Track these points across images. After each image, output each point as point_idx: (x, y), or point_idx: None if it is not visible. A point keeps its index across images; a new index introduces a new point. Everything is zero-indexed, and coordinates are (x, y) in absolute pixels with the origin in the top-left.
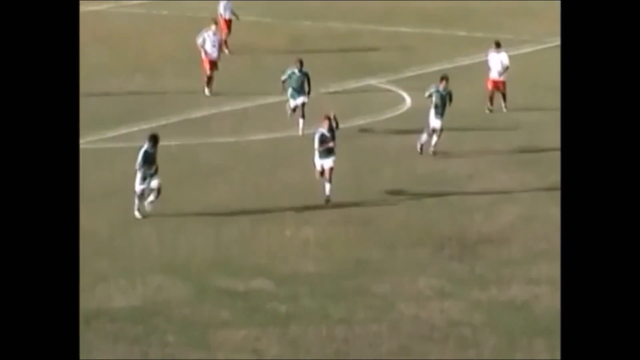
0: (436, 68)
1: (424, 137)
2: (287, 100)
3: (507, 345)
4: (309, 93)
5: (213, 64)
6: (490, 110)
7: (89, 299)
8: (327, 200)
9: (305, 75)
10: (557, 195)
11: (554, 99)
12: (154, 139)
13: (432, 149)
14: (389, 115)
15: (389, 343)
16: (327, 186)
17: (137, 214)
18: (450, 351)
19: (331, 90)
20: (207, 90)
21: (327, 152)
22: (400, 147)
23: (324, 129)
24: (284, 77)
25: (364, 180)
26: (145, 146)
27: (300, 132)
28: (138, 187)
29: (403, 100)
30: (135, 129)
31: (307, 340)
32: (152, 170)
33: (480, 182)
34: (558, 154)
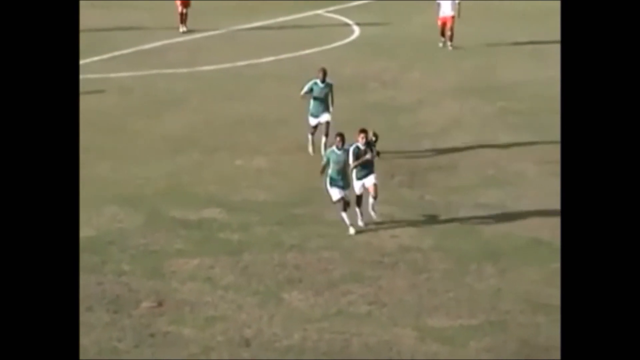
0: None
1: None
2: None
3: (457, 269)
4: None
5: (185, 1)
6: (443, 43)
7: None
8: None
9: (329, 87)
10: (506, 121)
11: (507, 29)
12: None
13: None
14: (338, 43)
15: (340, 269)
16: (371, 202)
17: (310, 149)
18: (401, 275)
19: (280, 20)
20: (181, 27)
21: (365, 169)
22: (349, 76)
23: (359, 143)
24: (304, 91)
25: None
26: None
27: (311, 151)
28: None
29: (351, 29)
30: (87, 60)
31: (260, 268)
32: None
33: (430, 109)
34: (507, 82)
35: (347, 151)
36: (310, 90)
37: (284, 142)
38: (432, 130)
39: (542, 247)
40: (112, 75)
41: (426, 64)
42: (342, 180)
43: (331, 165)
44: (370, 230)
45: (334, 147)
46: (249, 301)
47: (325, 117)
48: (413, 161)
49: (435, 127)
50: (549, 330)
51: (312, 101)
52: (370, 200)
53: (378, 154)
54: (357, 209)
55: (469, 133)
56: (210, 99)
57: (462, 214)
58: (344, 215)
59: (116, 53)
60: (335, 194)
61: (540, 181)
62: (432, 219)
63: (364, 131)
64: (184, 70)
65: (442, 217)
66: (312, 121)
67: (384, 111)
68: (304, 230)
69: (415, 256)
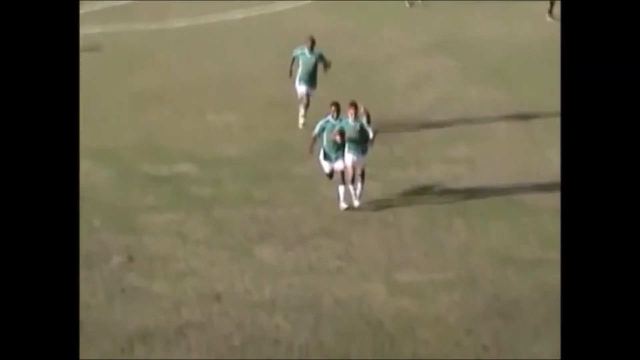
0: None
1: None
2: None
3: (427, 224)
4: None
5: None
6: (411, 4)
7: None
8: (350, 206)
9: (319, 57)
10: (475, 77)
11: None
12: None
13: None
14: (309, 0)
15: (311, 224)
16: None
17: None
18: (372, 231)
19: None
20: None
21: (354, 147)
22: (320, 32)
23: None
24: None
25: (287, 64)
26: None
27: (301, 124)
28: None
29: None
30: None
31: (231, 223)
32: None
33: (400, 66)
34: (477, 38)
35: (343, 120)
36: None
37: (255, 99)
38: (402, 86)
39: (512, 202)
40: (82, 32)
41: (396, 21)
42: (336, 152)
43: (325, 136)
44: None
45: (328, 117)
46: (220, 256)
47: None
48: (382, 116)
49: (405, 83)
50: (519, 285)
51: (299, 70)
52: (358, 184)
53: (369, 120)
54: (351, 187)
55: (438, 89)
56: (180, 56)
57: (432, 169)
58: (340, 188)
59: (87, 9)
60: (326, 166)
61: (510, 137)
62: (402, 174)
63: (354, 105)
64: (154, 26)
65: (412, 173)
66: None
67: (354, 68)
68: (274, 186)
69: (385, 212)
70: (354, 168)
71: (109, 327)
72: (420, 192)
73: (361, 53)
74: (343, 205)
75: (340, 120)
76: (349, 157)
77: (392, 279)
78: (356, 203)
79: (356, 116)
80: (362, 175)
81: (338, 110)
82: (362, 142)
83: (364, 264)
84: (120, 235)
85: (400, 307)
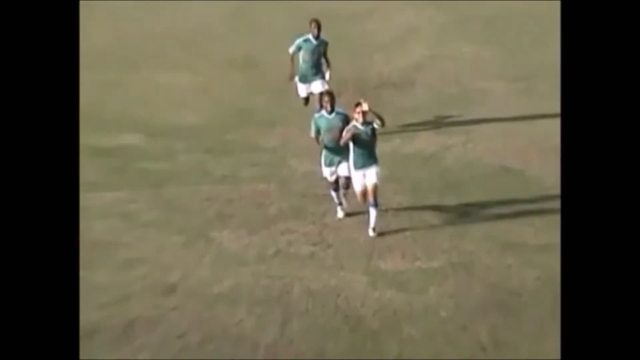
0: None
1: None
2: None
3: (414, 202)
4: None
5: None
6: None
7: None
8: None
9: (323, 45)
10: (469, 32)
11: None
12: None
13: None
14: None
15: (279, 203)
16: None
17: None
18: (349, 211)
19: None
20: None
21: (363, 156)
22: None
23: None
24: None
25: (250, 18)
26: None
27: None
28: None
29: None
30: None
31: (186, 202)
32: None
33: (382, 18)
34: None
35: (340, 115)
36: (299, 48)
37: (213, 59)
38: (385, 42)
39: (510, 177)
40: None
41: None
42: (339, 153)
43: (323, 134)
44: (312, 158)
45: (322, 112)
46: (173, 241)
47: (318, 86)
48: (363, 77)
49: (388, 38)
50: (521, 273)
51: (301, 63)
52: (372, 212)
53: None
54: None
55: (426, 45)
56: (128, 7)
57: (419, 138)
58: (333, 194)
59: None
60: (329, 173)
61: (508, 100)
62: (384, 145)
63: (360, 104)
64: None
65: (396, 142)
66: (302, 89)
67: (331, 19)
68: (236, 159)
69: None
70: (365, 186)
71: None
72: (406, 165)
73: (338, 4)
74: (340, 214)
75: (337, 114)
76: (358, 177)
77: (373, 267)
78: (371, 233)
79: (365, 119)
80: (375, 196)
81: (332, 101)
82: (373, 151)
83: (341, 249)
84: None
85: (383, 300)
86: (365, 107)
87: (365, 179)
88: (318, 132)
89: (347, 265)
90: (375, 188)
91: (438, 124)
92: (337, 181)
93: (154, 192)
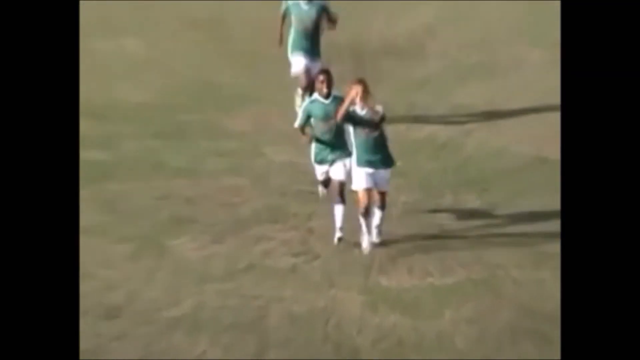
0: None
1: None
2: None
3: (424, 201)
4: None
5: None
6: None
7: None
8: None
9: (322, 10)
10: None
11: None
12: None
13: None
14: None
15: (252, 203)
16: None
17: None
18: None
19: None
20: None
21: (372, 151)
22: None
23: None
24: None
25: None
26: None
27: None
28: None
29: None
30: None
31: (133, 201)
32: None
33: None
34: None
35: (339, 99)
36: (285, 16)
37: (168, 18)
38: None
39: (547, 170)
40: None
41: None
42: (336, 147)
43: (315, 124)
44: (294, 144)
45: (315, 95)
46: (117, 251)
47: (316, 63)
48: (360, 42)
49: None
50: (558, 291)
51: (292, 34)
52: (377, 213)
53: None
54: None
55: (438, 3)
56: None
57: (430, 119)
58: (337, 209)
59: None
60: (320, 171)
61: (543, 71)
62: (386, 129)
63: (361, 83)
64: None
65: (401, 127)
66: (297, 64)
67: None
68: (196, 147)
69: None
70: (369, 191)
71: None
72: (414, 154)
73: None
74: (338, 234)
75: (335, 98)
76: (361, 174)
77: (372, 284)
78: (371, 240)
79: (366, 101)
80: (383, 199)
81: (329, 82)
82: (381, 144)
83: (331, 262)
84: None
85: (385, 326)
86: (358, 89)
87: (370, 180)
88: (306, 121)
89: (338, 281)
90: (384, 196)
91: (455, 99)
92: (327, 183)
93: (91, 190)
